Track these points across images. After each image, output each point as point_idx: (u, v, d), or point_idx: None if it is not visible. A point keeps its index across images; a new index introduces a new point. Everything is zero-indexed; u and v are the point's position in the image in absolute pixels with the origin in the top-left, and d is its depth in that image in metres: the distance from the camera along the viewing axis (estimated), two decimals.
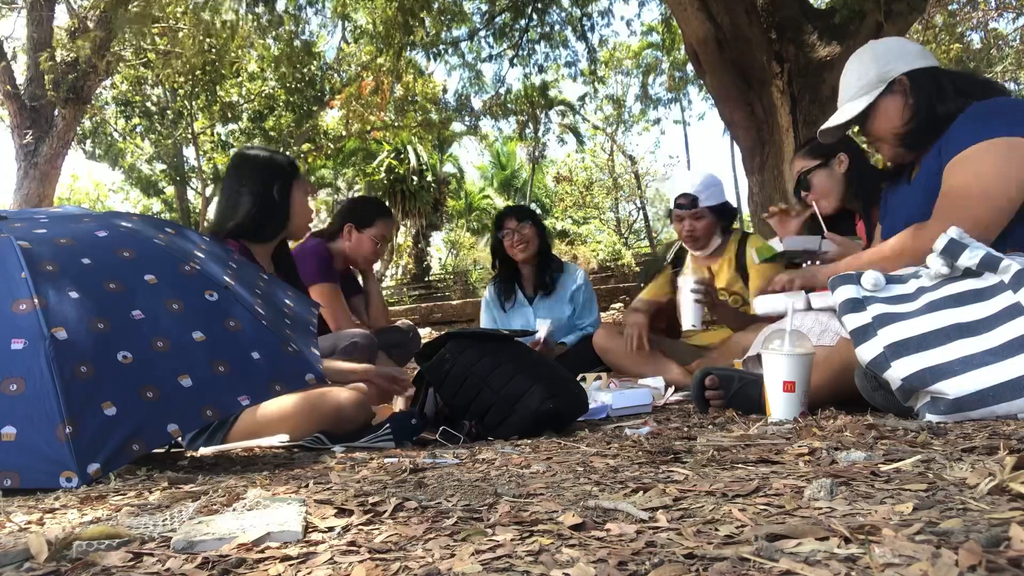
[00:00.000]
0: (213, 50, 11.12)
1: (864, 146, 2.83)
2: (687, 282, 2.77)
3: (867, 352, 1.50)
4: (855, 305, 1.57)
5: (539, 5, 9.45)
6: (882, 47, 2.00)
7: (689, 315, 2.74)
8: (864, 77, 1.95)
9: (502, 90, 12.32)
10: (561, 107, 21.25)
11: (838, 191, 2.58)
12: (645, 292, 3.25)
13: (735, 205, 3.23)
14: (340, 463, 1.54)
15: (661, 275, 3.25)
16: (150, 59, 11.66)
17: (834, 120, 2.03)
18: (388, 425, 1.91)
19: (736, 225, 3.19)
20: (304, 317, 1.94)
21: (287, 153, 13.94)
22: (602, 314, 10.76)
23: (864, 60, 1.98)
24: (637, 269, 17.88)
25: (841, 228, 2.64)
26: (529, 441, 1.75)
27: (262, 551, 0.79)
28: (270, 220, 2.36)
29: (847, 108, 1.98)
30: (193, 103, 14.34)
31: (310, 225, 2.58)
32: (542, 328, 3.18)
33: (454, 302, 13.18)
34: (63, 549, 0.83)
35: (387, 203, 24.40)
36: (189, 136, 15.14)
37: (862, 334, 1.52)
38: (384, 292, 22.12)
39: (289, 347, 1.74)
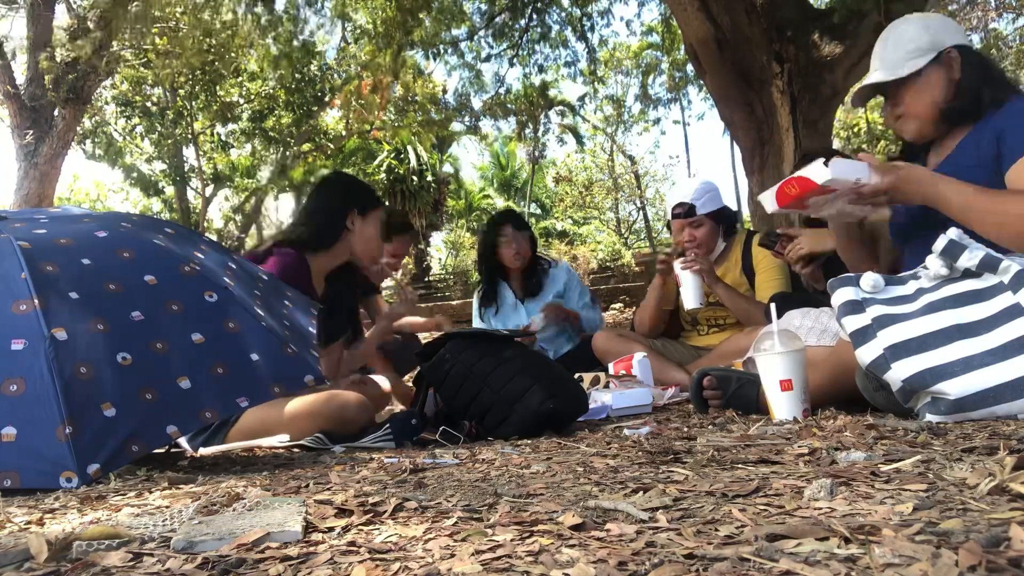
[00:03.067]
0: (213, 50, 11.12)
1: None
2: (678, 264, 2.79)
3: (867, 354, 1.50)
4: (854, 307, 1.57)
5: (539, 5, 9.45)
6: (932, 19, 1.92)
7: (689, 295, 2.73)
8: (914, 42, 1.87)
9: (502, 90, 12.32)
10: (561, 107, 21.25)
11: None
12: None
13: (734, 208, 3.24)
14: (340, 463, 1.54)
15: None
16: (150, 59, 11.66)
17: (874, 78, 1.93)
18: (388, 425, 1.91)
19: (744, 227, 3.19)
20: (304, 318, 1.94)
21: (286, 156, 13.93)
22: (602, 314, 10.78)
23: (914, 26, 1.90)
24: (637, 269, 17.86)
25: None
26: (529, 441, 1.75)
27: (262, 551, 0.79)
28: (320, 232, 2.41)
29: (892, 69, 1.89)
30: (193, 103, 14.34)
31: (384, 262, 2.64)
32: (535, 322, 3.29)
33: (454, 302, 13.17)
34: (63, 549, 0.83)
35: (387, 203, 24.36)
36: (189, 136, 15.14)
37: (862, 336, 1.52)
38: (384, 293, 22.09)
39: (288, 348, 1.73)
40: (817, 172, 1.71)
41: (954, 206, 1.69)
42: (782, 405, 1.75)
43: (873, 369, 1.50)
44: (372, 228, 2.48)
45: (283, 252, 2.33)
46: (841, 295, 1.59)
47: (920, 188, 1.72)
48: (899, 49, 1.90)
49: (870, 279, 1.59)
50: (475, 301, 3.74)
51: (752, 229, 3.25)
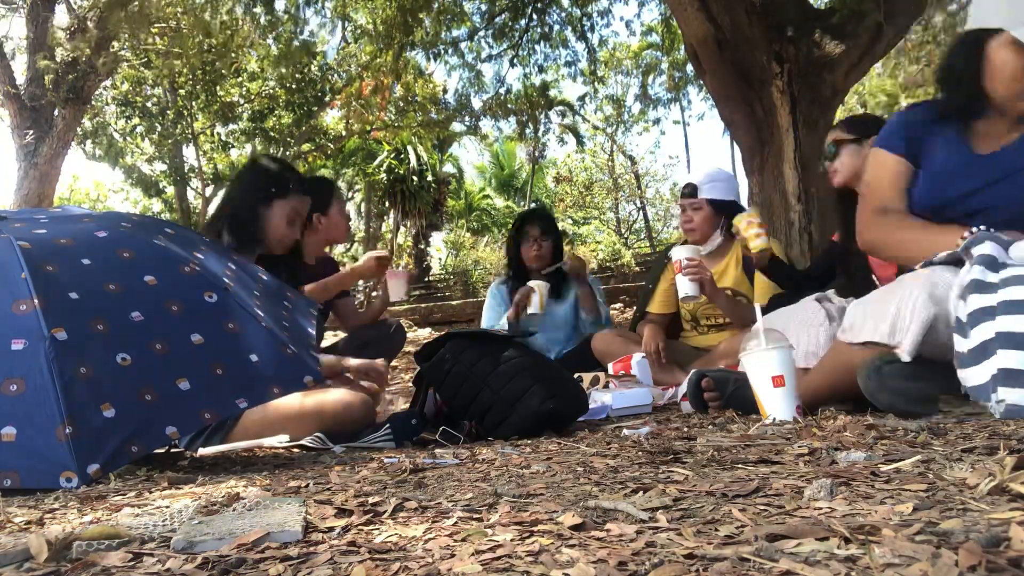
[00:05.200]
0: (213, 50, 11.12)
1: None
2: (679, 252, 2.77)
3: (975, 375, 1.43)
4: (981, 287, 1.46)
5: (539, 5, 9.45)
6: None
7: (685, 284, 2.73)
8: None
9: (502, 90, 12.31)
10: (561, 107, 21.23)
11: (856, 169, 2.59)
12: (654, 304, 3.22)
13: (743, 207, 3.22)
14: (340, 463, 1.54)
15: (664, 279, 3.23)
16: (151, 59, 11.66)
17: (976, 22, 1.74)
18: (388, 425, 1.91)
19: None
20: (303, 318, 1.94)
21: (287, 156, 13.91)
22: (610, 313, 10.76)
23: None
24: (637, 269, 17.86)
25: (848, 216, 2.69)
26: (529, 441, 1.75)
27: (262, 551, 0.79)
28: (243, 234, 2.36)
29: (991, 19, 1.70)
30: (193, 103, 14.33)
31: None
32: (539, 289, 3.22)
33: (454, 302, 13.17)
34: (63, 549, 0.83)
35: (387, 203, 24.18)
36: (189, 136, 15.13)
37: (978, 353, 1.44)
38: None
39: (288, 349, 1.73)
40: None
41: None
42: (776, 402, 1.73)
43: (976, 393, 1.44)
44: (276, 217, 2.41)
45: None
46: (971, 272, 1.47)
47: None
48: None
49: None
50: (494, 292, 3.59)
51: None
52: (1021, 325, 1.39)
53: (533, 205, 23.99)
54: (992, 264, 1.48)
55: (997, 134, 1.79)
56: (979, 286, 1.46)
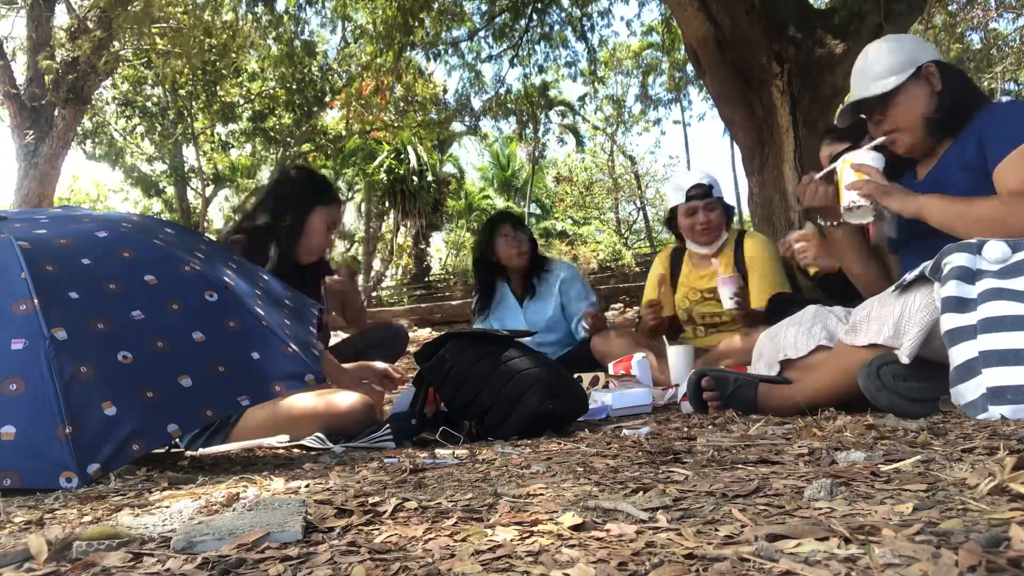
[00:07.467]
0: (213, 50, 11.12)
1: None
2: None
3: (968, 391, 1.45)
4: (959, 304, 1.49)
5: (539, 5, 9.44)
6: (906, 37, 2.08)
7: (728, 301, 2.70)
8: (892, 59, 1.95)
9: (502, 90, 12.31)
10: (561, 107, 21.24)
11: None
12: (645, 296, 3.23)
13: (733, 205, 3.23)
14: (340, 463, 1.54)
15: (651, 272, 3.23)
16: (151, 59, 11.65)
17: (857, 95, 2.00)
18: (388, 425, 1.91)
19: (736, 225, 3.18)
20: (304, 317, 1.94)
21: (287, 156, 13.91)
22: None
23: (891, 46, 1.99)
24: (637, 269, 17.86)
25: None
26: (529, 441, 1.75)
27: (262, 551, 0.79)
28: (292, 242, 2.40)
29: (875, 85, 1.95)
30: (193, 103, 14.33)
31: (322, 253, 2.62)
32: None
33: (454, 302, 13.17)
34: (63, 549, 0.83)
35: (387, 203, 24.08)
36: (189, 136, 15.13)
37: (960, 334, 1.47)
38: (384, 292, 22.14)
39: (289, 347, 1.73)
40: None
41: (935, 215, 1.78)
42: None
43: (969, 408, 1.45)
44: (317, 223, 2.46)
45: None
46: (949, 288, 1.51)
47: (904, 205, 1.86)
48: (879, 66, 1.97)
49: (997, 249, 1.51)
50: (473, 307, 3.67)
51: (743, 230, 3.24)
52: (1003, 342, 1.41)
53: (533, 205, 23.98)
54: (967, 276, 1.50)
55: (928, 164, 2.00)
56: (956, 304, 1.48)
